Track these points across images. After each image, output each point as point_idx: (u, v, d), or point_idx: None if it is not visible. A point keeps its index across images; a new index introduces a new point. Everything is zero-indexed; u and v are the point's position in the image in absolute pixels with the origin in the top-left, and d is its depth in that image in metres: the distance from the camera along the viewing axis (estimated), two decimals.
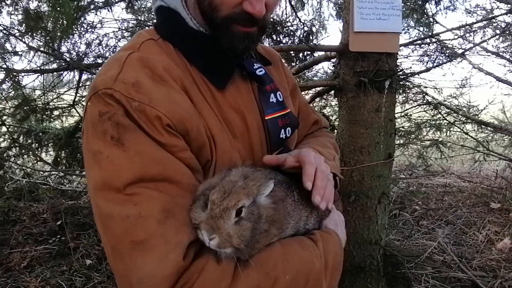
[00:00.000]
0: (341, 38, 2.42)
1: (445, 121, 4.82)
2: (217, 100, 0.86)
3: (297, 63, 3.62)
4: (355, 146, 2.43)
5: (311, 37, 4.00)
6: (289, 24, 4.15)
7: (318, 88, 2.97)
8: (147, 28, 0.98)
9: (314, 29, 4.42)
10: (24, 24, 3.03)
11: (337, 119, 2.67)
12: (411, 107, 4.85)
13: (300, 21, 3.71)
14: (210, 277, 0.67)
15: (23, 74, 2.73)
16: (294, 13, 3.60)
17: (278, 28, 4.08)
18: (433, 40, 4.09)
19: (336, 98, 2.65)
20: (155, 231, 0.67)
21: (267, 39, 4.11)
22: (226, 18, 0.82)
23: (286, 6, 3.86)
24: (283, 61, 1.19)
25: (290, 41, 4.07)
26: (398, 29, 2.26)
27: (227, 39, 0.84)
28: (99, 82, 0.75)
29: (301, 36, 3.88)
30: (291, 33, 4.08)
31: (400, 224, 3.76)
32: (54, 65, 3.24)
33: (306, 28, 3.86)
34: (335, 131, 2.70)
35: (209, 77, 0.86)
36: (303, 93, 3.09)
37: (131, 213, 0.68)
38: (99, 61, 3.59)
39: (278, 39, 4.11)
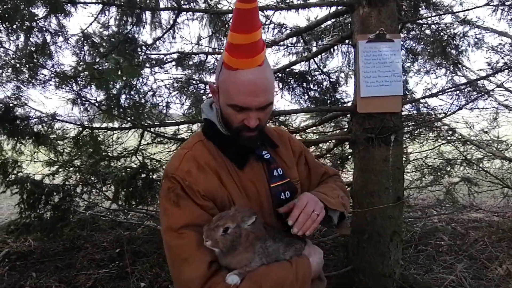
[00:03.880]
0: (353, 100, 2.85)
1: (474, 156, 5.03)
2: (239, 175, 1.36)
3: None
4: (367, 191, 2.81)
5: (337, 86, 4.46)
6: (317, 73, 4.66)
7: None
8: (198, 131, 1.51)
9: (343, 75, 4.89)
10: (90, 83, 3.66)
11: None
12: (439, 145, 5.08)
13: (325, 74, 4.17)
14: (224, 286, 1.15)
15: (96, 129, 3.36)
16: (319, 69, 4.06)
17: (308, 77, 4.59)
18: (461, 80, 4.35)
19: (350, 149, 3.06)
20: (193, 253, 1.19)
21: (298, 88, 4.63)
22: (236, 129, 1.32)
23: (313, 61, 4.33)
24: (291, 137, 1.65)
25: (318, 89, 4.56)
26: (399, 92, 2.64)
27: (238, 140, 1.34)
28: (169, 169, 1.30)
29: (328, 85, 4.36)
30: (319, 81, 4.57)
31: (420, 259, 3.95)
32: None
33: (331, 80, 4.32)
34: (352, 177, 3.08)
35: (234, 162, 1.37)
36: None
37: (181, 243, 1.20)
38: (154, 111, 4.26)
39: (309, 86, 4.61)
